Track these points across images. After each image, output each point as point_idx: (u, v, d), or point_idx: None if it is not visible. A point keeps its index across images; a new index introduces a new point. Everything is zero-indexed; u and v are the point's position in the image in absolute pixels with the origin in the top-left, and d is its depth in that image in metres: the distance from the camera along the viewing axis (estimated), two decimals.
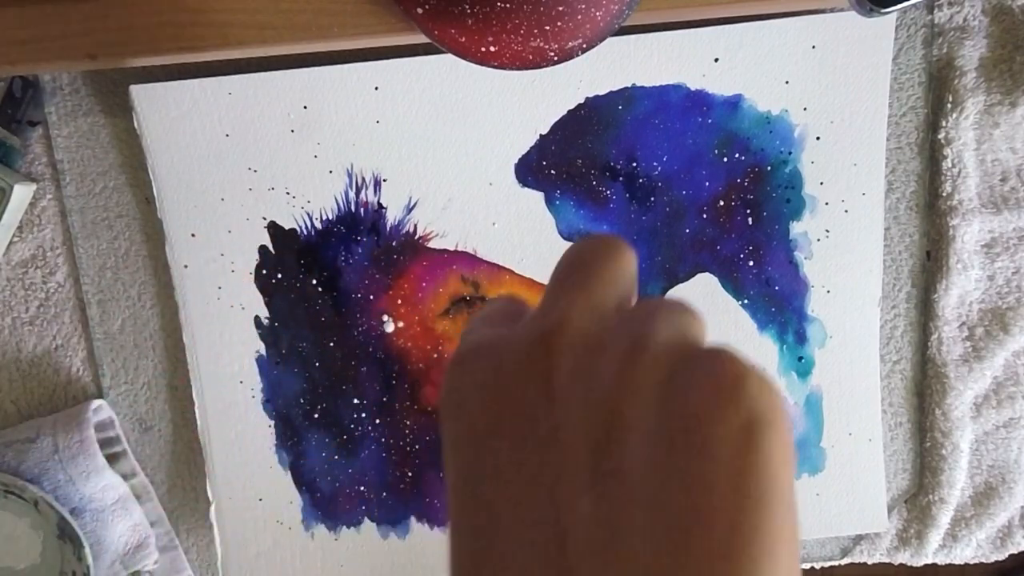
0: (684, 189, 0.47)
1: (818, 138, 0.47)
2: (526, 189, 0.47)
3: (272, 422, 0.49)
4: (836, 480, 0.49)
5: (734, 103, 0.46)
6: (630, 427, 0.17)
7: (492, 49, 0.38)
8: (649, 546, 0.16)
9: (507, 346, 0.19)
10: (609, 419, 0.17)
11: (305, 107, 0.46)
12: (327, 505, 0.50)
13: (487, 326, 0.21)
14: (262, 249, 0.48)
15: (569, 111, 0.46)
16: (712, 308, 0.48)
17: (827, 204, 0.47)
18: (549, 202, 0.47)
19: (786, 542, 0.16)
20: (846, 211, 0.47)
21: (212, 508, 0.50)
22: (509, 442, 0.18)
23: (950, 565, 0.52)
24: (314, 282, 0.48)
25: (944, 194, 0.47)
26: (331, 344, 0.48)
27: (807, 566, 0.52)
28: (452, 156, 0.47)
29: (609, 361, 0.18)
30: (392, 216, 0.47)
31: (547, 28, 0.37)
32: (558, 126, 0.46)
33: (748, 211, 0.47)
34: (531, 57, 0.38)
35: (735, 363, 0.17)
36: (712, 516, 0.16)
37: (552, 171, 0.47)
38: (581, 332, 0.19)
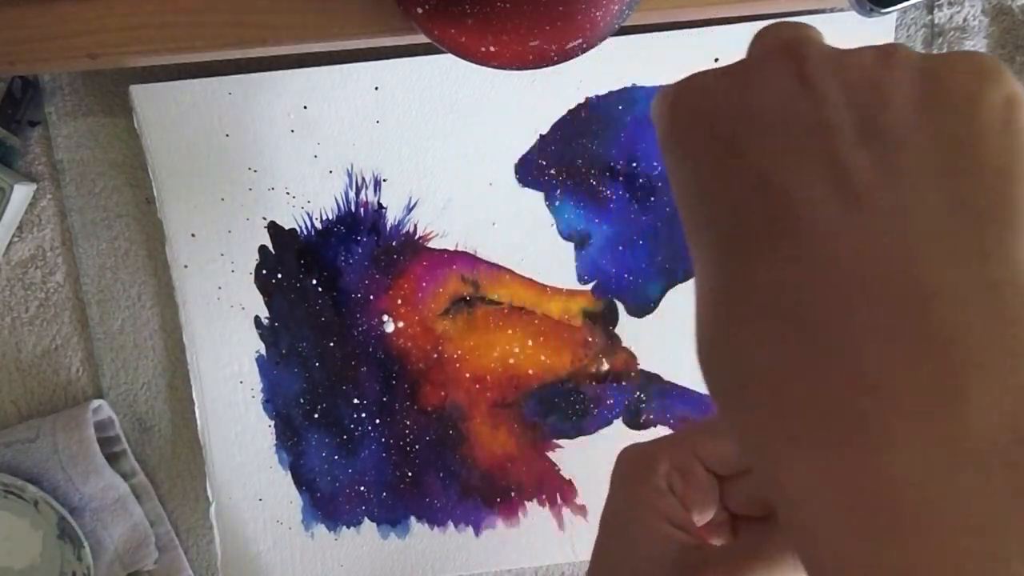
0: None
1: None
2: (526, 189, 0.47)
3: (272, 422, 0.49)
4: None
5: None
6: (894, 101, 0.19)
7: (492, 49, 0.38)
8: (931, 181, 0.18)
9: (743, 67, 0.21)
10: (871, 96, 0.19)
11: (305, 107, 0.46)
12: (327, 505, 0.50)
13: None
14: (262, 249, 0.48)
15: (569, 111, 0.46)
16: None
17: None
18: (549, 202, 0.47)
19: None
20: None
21: (212, 508, 0.50)
22: (773, 128, 0.19)
23: None
24: (314, 282, 0.48)
25: None
26: (331, 344, 0.48)
27: None
28: (452, 156, 0.47)
29: (860, 58, 0.19)
30: (392, 216, 0.47)
31: (547, 28, 0.37)
32: (558, 126, 0.46)
33: None
34: (531, 57, 0.38)
35: (982, 55, 0.19)
36: (984, 162, 0.18)
37: (552, 171, 0.47)
38: (816, 39, 0.20)
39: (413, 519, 0.50)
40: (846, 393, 0.16)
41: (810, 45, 0.20)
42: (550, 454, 0.50)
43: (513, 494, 0.50)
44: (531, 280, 0.48)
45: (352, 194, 0.47)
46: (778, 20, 0.22)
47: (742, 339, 0.20)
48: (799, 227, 0.18)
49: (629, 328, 0.48)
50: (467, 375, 0.49)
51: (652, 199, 0.47)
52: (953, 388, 0.16)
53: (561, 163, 0.47)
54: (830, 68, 0.19)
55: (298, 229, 0.47)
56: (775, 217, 0.19)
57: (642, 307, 0.48)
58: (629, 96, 0.46)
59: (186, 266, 0.48)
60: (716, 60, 0.45)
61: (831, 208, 0.18)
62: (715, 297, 0.21)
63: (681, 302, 0.48)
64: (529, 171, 0.47)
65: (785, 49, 0.20)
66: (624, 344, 0.49)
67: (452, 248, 0.48)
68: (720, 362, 0.20)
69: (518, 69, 0.39)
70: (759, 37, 0.22)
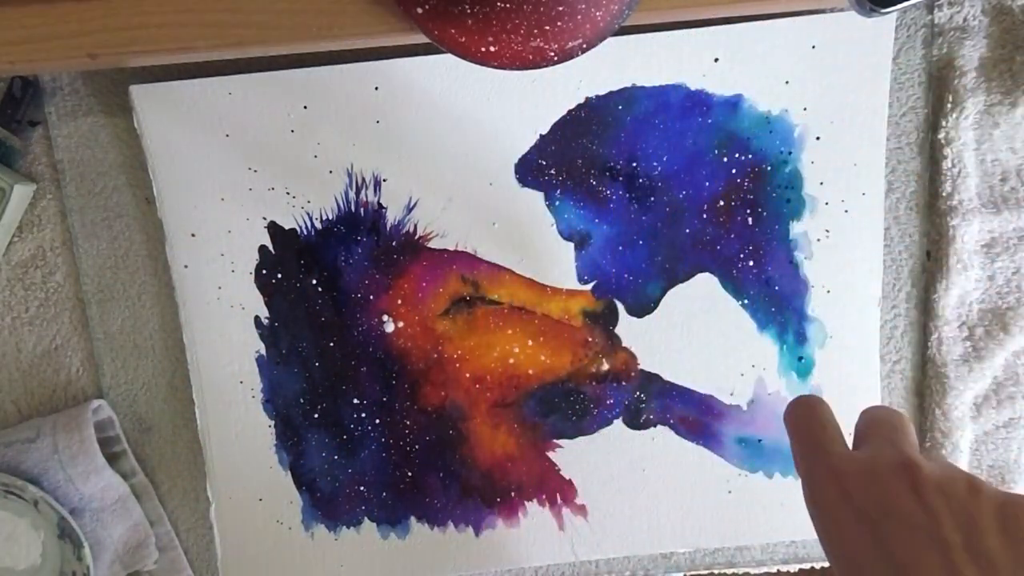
0: (684, 189, 0.47)
1: (818, 138, 0.47)
2: (526, 189, 0.47)
3: (272, 422, 0.49)
4: None
5: (734, 103, 0.46)
6: (987, 528, 0.28)
7: (492, 49, 0.38)
8: None
9: (879, 469, 0.30)
10: (968, 520, 0.28)
11: (305, 107, 0.46)
12: (327, 505, 0.50)
13: (827, 439, 0.33)
14: (262, 249, 0.48)
15: (569, 111, 0.46)
16: (712, 308, 0.48)
17: (827, 204, 0.47)
18: (549, 202, 0.47)
19: None
20: (846, 211, 0.47)
21: (212, 508, 0.50)
22: (900, 526, 0.29)
23: None
24: (314, 282, 0.48)
25: (944, 194, 0.47)
26: (331, 344, 0.48)
27: (807, 566, 0.52)
28: (452, 156, 0.47)
29: (957, 487, 0.29)
30: (392, 216, 0.47)
31: (547, 28, 0.37)
32: (558, 126, 0.46)
33: (748, 211, 0.47)
34: (531, 57, 0.38)
35: None
36: None
37: (552, 171, 0.47)
38: (924, 463, 0.30)
39: (413, 519, 0.50)
40: None
41: (920, 468, 0.29)
42: (550, 454, 0.50)
43: (513, 494, 0.50)
44: (531, 280, 0.48)
45: (352, 194, 0.47)
46: (880, 411, 0.35)
47: None
48: None
49: (629, 328, 0.48)
50: (467, 375, 0.49)
51: (652, 199, 0.47)
52: None
53: (561, 163, 0.47)
54: (938, 492, 0.29)
55: (298, 229, 0.47)
56: None
57: (642, 307, 0.48)
58: (629, 96, 0.46)
59: (186, 266, 0.48)
60: (716, 60, 0.45)
61: None
62: None
63: (681, 302, 0.48)
64: (529, 171, 0.47)
65: (904, 466, 0.30)
66: (624, 344, 0.49)
67: (452, 248, 0.48)
68: None
69: (518, 69, 0.39)
70: (867, 425, 0.34)
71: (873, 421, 0.34)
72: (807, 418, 0.35)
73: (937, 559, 0.27)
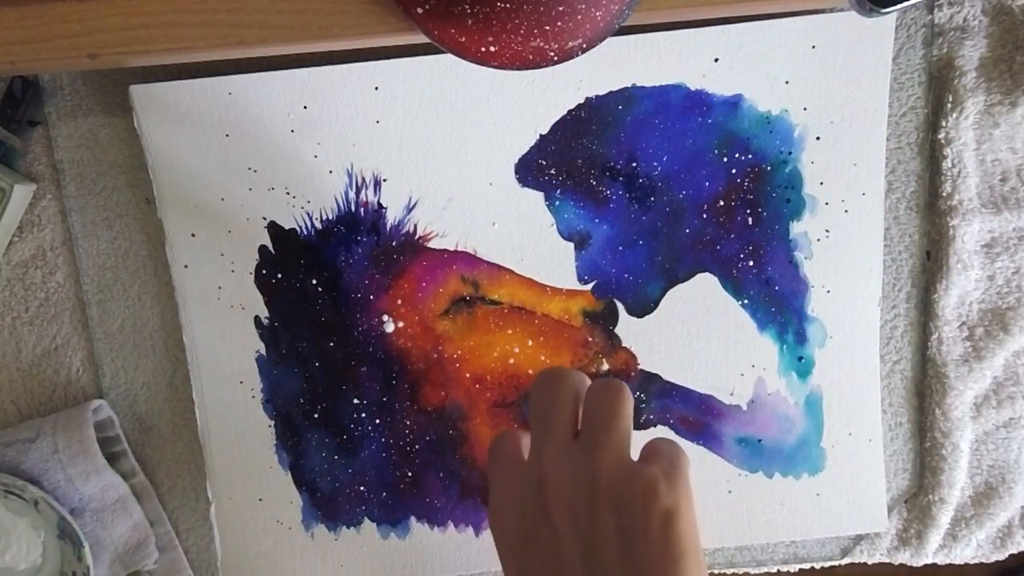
0: (684, 189, 0.47)
1: (818, 138, 0.47)
2: (526, 189, 0.47)
3: (272, 422, 0.49)
4: (836, 480, 0.49)
5: (734, 103, 0.46)
6: (603, 534, 0.31)
7: (492, 49, 0.38)
8: None
9: (519, 498, 0.33)
10: (588, 533, 0.31)
11: (305, 107, 0.46)
12: (327, 505, 0.50)
13: (498, 476, 0.36)
14: (262, 249, 0.48)
15: (569, 111, 0.46)
16: (712, 308, 0.48)
17: (827, 204, 0.47)
18: (549, 202, 0.47)
19: (696, 573, 0.30)
20: (846, 211, 0.47)
21: (212, 508, 0.50)
22: (534, 552, 0.32)
23: (950, 565, 0.52)
24: (314, 282, 0.48)
25: (944, 194, 0.47)
26: (331, 344, 0.48)
27: (807, 566, 0.52)
28: (452, 156, 0.47)
29: (580, 500, 0.31)
30: (392, 216, 0.47)
31: (547, 28, 0.37)
32: (558, 126, 0.46)
33: (748, 211, 0.47)
34: (531, 57, 0.38)
35: (651, 476, 0.31)
36: (653, 571, 0.29)
37: (552, 171, 0.47)
38: (556, 477, 0.32)
39: (413, 519, 0.50)
40: None
41: (545, 486, 0.32)
42: None
43: None
44: (531, 280, 0.48)
45: (352, 194, 0.47)
46: (504, 433, 0.38)
47: None
48: None
49: (629, 328, 0.48)
50: (467, 375, 0.49)
51: (652, 199, 0.47)
52: None
53: (561, 163, 0.47)
54: (564, 508, 0.31)
55: (298, 229, 0.47)
56: None
57: (642, 307, 0.48)
58: (629, 96, 0.46)
59: (186, 266, 0.48)
60: (716, 60, 0.45)
61: None
62: None
63: (681, 302, 0.48)
64: (529, 171, 0.47)
65: (539, 485, 0.32)
66: (624, 344, 0.49)
67: (452, 248, 0.48)
68: None
69: (518, 69, 0.39)
70: (495, 447, 0.38)
71: (531, 416, 0.36)
72: (492, 460, 0.37)
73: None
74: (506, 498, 0.34)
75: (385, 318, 0.48)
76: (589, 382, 0.36)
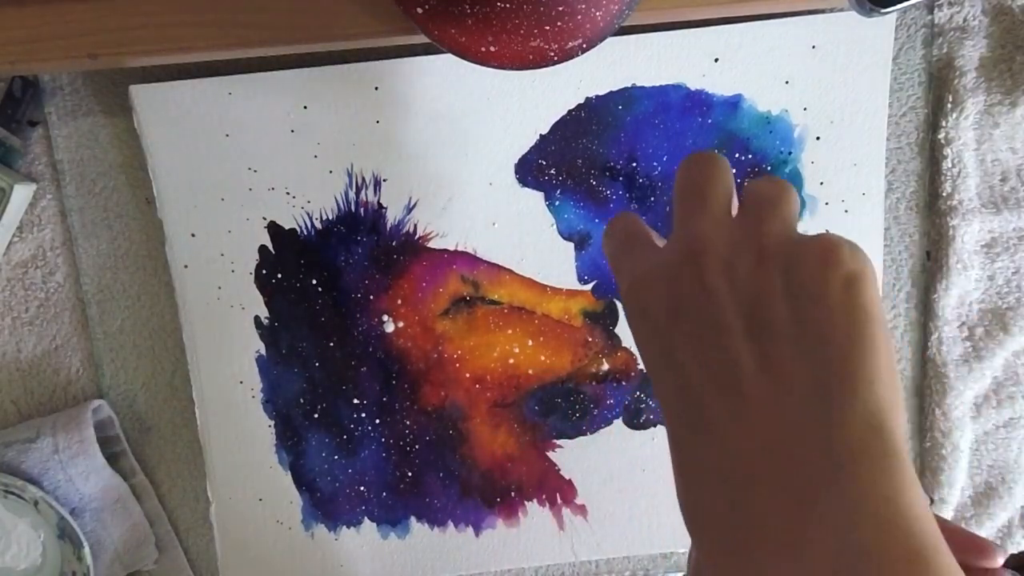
0: None
1: (818, 138, 0.47)
2: (526, 189, 0.47)
3: (272, 422, 0.49)
4: None
5: (734, 103, 0.46)
6: (769, 294, 0.25)
7: (492, 49, 0.38)
8: (798, 364, 0.24)
9: (667, 268, 0.27)
10: (753, 297, 0.25)
11: (305, 107, 0.46)
12: (327, 505, 0.50)
13: (632, 255, 0.30)
14: (262, 249, 0.48)
15: (569, 111, 0.46)
16: None
17: (827, 204, 0.47)
18: (549, 202, 0.47)
19: (885, 344, 0.24)
20: (846, 211, 0.47)
21: (212, 508, 0.50)
22: (686, 324, 0.26)
23: None
24: (314, 282, 0.48)
25: (944, 194, 0.47)
26: (331, 344, 0.48)
27: None
28: (452, 156, 0.47)
29: (743, 262, 0.26)
30: (392, 216, 0.47)
31: (547, 28, 0.37)
32: (558, 126, 0.46)
33: None
34: (531, 57, 0.38)
35: (831, 239, 0.25)
36: (833, 335, 0.24)
37: (552, 171, 0.47)
38: (714, 244, 0.27)
39: (413, 519, 0.50)
40: (749, 535, 0.24)
41: (704, 253, 0.27)
42: (550, 454, 0.50)
43: (513, 494, 0.50)
44: (531, 280, 0.48)
45: (352, 194, 0.47)
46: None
47: (691, 499, 0.26)
48: (705, 420, 0.25)
49: (629, 328, 0.48)
50: (467, 375, 0.49)
51: (652, 199, 0.47)
52: (800, 536, 0.23)
53: (561, 163, 0.47)
54: (722, 275, 0.26)
55: (298, 229, 0.47)
56: (692, 405, 0.26)
57: None
58: (629, 96, 0.46)
59: (186, 266, 0.48)
60: (716, 60, 0.45)
61: (722, 407, 0.25)
62: (674, 467, 0.27)
63: None
64: (529, 171, 0.47)
65: (690, 255, 0.27)
66: (624, 344, 0.49)
67: (452, 248, 0.48)
68: (684, 511, 0.27)
69: (518, 69, 0.39)
70: (680, 200, 0.29)
71: (677, 192, 0.30)
72: (621, 239, 0.32)
73: (715, 354, 0.25)
74: (645, 271, 0.28)
75: (385, 318, 0.48)
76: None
